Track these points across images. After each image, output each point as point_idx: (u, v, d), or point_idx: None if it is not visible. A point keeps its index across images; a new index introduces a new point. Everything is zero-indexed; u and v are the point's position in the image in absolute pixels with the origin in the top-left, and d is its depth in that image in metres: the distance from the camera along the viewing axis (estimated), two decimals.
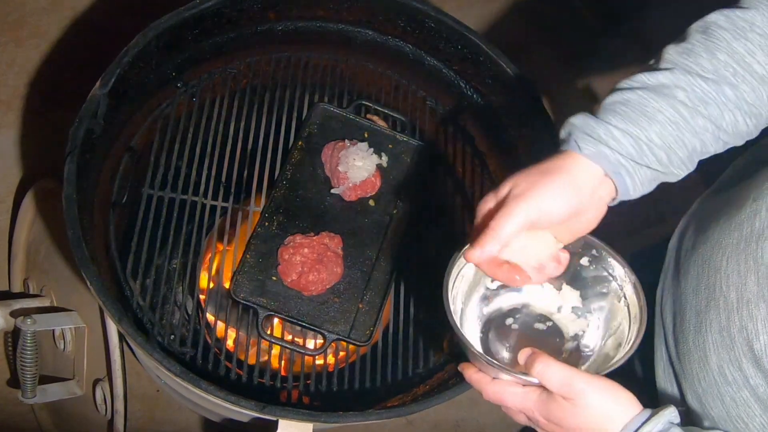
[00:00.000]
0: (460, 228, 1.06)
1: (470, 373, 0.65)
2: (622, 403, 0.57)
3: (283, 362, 0.93)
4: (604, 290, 0.68)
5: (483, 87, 1.07)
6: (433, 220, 1.04)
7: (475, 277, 0.70)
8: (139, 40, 0.90)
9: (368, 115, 1.08)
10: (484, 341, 0.70)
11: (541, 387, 0.59)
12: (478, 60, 1.04)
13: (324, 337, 0.91)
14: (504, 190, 0.61)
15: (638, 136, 0.59)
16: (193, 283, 0.99)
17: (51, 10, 1.59)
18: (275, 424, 0.79)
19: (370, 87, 1.12)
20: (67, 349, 1.06)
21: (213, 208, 0.98)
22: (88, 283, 0.78)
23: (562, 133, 0.62)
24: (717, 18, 0.61)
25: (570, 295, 0.71)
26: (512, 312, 0.72)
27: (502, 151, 1.08)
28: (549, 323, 0.71)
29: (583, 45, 1.81)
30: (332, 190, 0.99)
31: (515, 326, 0.71)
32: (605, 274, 0.68)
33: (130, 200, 0.97)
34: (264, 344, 0.92)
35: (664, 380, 0.75)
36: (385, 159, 1.02)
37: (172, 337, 0.90)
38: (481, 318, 0.71)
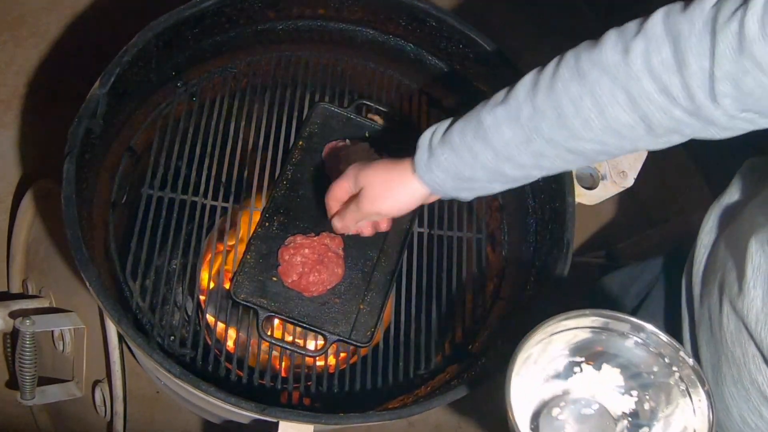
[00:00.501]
0: (462, 228, 1.05)
1: None
2: None
3: (283, 363, 0.92)
4: (654, 368, 0.65)
5: (486, 86, 1.07)
6: (434, 220, 1.03)
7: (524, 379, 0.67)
8: (138, 39, 0.90)
9: (369, 115, 1.07)
10: None
11: None
12: (481, 58, 1.03)
13: (325, 338, 0.90)
14: (356, 187, 0.78)
15: (460, 174, 0.69)
16: (193, 284, 0.98)
17: (50, 9, 1.58)
18: (276, 425, 0.78)
19: (371, 86, 1.11)
20: (66, 350, 1.05)
21: (213, 209, 0.97)
22: (88, 284, 0.78)
23: (419, 142, 0.72)
24: (570, 56, 0.63)
25: (610, 374, 0.68)
26: (555, 401, 0.69)
27: None
28: (595, 406, 0.68)
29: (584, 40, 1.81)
30: None
31: (562, 416, 0.68)
32: (654, 354, 0.65)
33: (129, 200, 0.97)
34: (264, 345, 0.91)
35: None
36: None
37: (172, 338, 0.90)
38: (528, 415, 0.68)
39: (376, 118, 1.07)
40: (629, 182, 0.99)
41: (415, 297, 0.97)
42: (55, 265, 1.09)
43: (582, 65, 0.60)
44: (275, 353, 0.92)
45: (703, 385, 0.61)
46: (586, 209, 0.99)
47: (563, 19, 1.86)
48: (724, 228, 0.74)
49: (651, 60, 0.57)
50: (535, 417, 0.68)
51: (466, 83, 1.08)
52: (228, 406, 0.77)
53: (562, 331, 0.66)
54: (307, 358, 0.94)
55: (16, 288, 1.23)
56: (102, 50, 0.93)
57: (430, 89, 1.13)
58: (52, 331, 1.06)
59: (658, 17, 0.57)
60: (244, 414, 0.79)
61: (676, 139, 0.61)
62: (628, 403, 0.67)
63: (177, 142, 0.99)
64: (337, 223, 0.83)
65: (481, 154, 0.67)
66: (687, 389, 0.63)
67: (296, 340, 0.96)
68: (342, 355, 0.97)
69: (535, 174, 0.68)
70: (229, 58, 1.05)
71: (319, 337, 0.91)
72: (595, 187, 0.98)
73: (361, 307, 0.93)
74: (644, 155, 0.99)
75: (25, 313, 0.99)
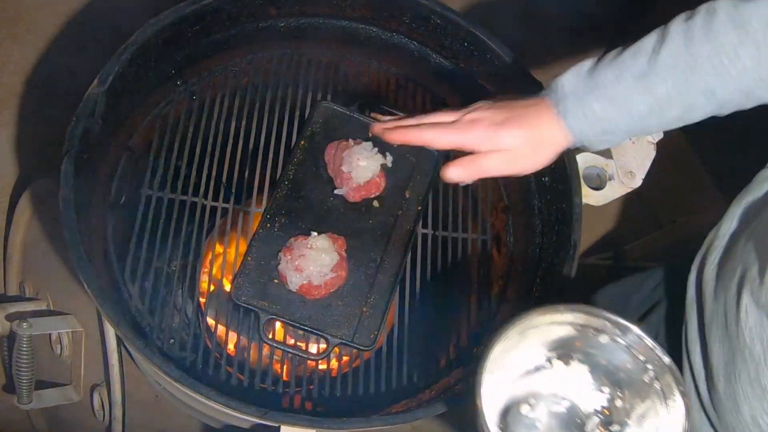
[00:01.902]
0: (466, 229, 1.04)
1: None
2: None
3: (285, 367, 0.91)
4: (628, 365, 0.65)
5: (490, 85, 1.06)
6: (438, 221, 1.02)
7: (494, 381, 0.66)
8: (137, 37, 0.88)
9: (372, 114, 1.06)
10: None
11: None
12: (485, 57, 1.02)
13: (327, 342, 0.89)
14: (491, 144, 0.70)
15: (612, 123, 0.66)
16: (193, 286, 0.97)
17: (47, 6, 1.57)
18: (277, 430, 0.77)
19: (374, 85, 1.10)
20: (64, 353, 1.04)
21: (213, 209, 0.96)
22: (86, 286, 0.77)
23: (552, 88, 0.68)
24: (721, 6, 0.63)
25: (579, 370, 0.67)
26: (524, 399, 0.68)
27: None
28: (566, 403, 0.67)
29: (594, 42, 1.80)
30: (335, 191, 0.97)
31: (532, 414, 0.67)
32: (628, 351, 0.65)
33: (128, 201, 0.96)
34: (266, 348, 0.90)
35: (700, 427, 0.74)
36: (389, 159, 1.00)
37: (172, 341, 0.89)
38: (497, 413, 0.67)
39: (380, 117, 1.06)
40: (637, 183, 0.98)
41: (419, 299, 0.96)
42: (53, 266, 1.08)
43: (737, 19, 0.61)
44: (276, 357, 0.91)
45: (678, 385, 0.61)
46: (593, 210, 0.98)
47: (571, 17, 1.85)
48: (746, 223, 0.73)
49: None
50: (504, 415, 0.67)
51: (470, 81, 1.07)
52: (229, 411, 0.76)
53: (536, 327, 0.65)
54: (309, 362, 0.93)
55: (13, 290, 1.22)
56: (100, 48, 0.92)
57: (435, 88, 1.11)
58: (50, 334, 1.05)
59: None
60: (245, 418, 0.78)
61: None
62: (599, 400, 0.66)
63: (177, 141, 0.97)
64: (452, 170, 0.72)
65: (632, 105, 0.65)
66: (662, 388, 0.62)
67: (298, 343, 0.95)
68: (345, 358, 0.96)
69: (675, 125, 0.67)
70: (230, 56, 1.04)
71: (321, 340, 0.90)
72: (602, 188, 0.97)
73: (364, 309, 0.92)
74: (652, 156, 0.98)
75: (22, 316, 0.98)
